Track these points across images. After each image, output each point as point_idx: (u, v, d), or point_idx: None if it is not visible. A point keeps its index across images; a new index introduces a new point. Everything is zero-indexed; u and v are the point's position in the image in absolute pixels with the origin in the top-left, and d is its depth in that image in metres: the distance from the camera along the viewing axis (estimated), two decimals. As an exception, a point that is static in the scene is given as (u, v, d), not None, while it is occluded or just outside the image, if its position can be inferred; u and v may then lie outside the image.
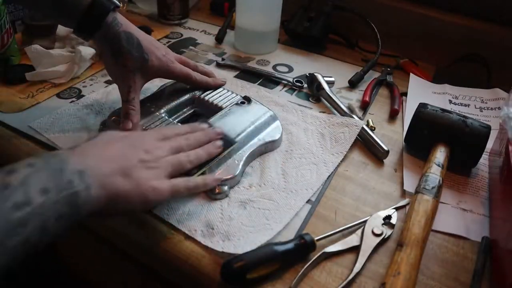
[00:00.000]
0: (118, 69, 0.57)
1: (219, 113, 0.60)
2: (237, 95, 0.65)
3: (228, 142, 0.55)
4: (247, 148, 0.56)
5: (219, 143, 0.53)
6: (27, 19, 0.81)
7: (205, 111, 0.63)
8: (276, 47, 0.91)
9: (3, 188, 0.32)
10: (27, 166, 0.34)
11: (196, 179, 0.48)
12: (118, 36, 0.55)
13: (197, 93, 0.65)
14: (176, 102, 0.62)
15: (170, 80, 0.68)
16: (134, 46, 0.56)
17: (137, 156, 0.43)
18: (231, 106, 0.62)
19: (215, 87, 0.66)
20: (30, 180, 0.33)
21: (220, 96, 0.64)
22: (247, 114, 0.61)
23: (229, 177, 0.52)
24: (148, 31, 0.86)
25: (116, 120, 0.58)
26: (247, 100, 0.64)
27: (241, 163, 0.54)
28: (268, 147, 0.59)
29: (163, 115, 0.59)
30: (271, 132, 0.60)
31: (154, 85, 0.72)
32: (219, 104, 0.62)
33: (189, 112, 0.63)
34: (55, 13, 0.57)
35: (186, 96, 0.64)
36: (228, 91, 0.66)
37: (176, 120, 0.60)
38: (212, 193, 0.51)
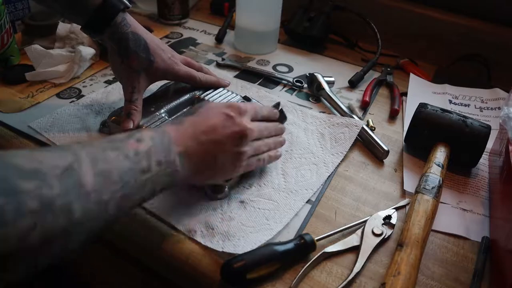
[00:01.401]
0: (123, 69, 0.58)
1: None
2: (237, 95, 0.65)
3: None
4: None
5: (283, 138, 0.56)
6: (27, 19, 0.81)
7: None
8: (276, 47, 0.91)
9: (136, 153, 0.38)
10: (150, 139, 0.40)
11: (265, 157, 0.52)
12: (126, 37, 0.56)
13: (197, 93, 0.65)
14: (176, 102, 0.62)
15: (168, 82, 0.68)
16: (141, 47, 0.57)
17: (233, 142, 0.47)
18: None
19: (220, 87, 0.66)
20: (151, 152, 0.39)
21: (220, 96, 0.64)
22: None
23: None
24: (148, 31, 0.86)
25: (116, 120, 0.58)
26: (247, 100, 0.64)
27: None
28: None
29: (163, 115, 0.59)
30: None
31: (154, 84, 0.72)
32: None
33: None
34: (66, 9, 0.58)
35: (187, 96, 0.64)
36: (228, 91, 0.66)
37: None
38: (212, 193, 0.51)
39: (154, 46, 0.58)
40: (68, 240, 0.32)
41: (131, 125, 0.55)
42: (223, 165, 0.47)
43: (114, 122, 0.58)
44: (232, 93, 0.65)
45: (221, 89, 0.66)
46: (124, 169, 0.36)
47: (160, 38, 0.91)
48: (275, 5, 0.84)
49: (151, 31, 0.87)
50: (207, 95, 0.64)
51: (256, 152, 0.50)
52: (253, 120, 0.50)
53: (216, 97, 0.64)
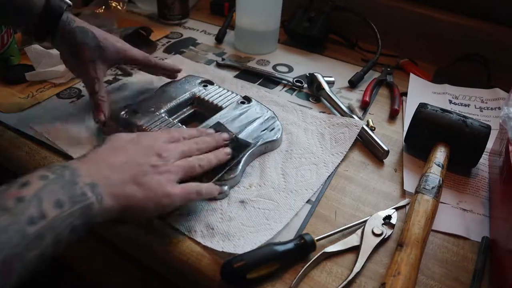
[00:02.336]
0: (78, 64, 0.59)
1: (219, 113, 0.60)
2: (237, 95, 0.65)
3: (242, 146, 0.55)
4: (247, 148, 0.56)
5: (228, 150, 0.52)
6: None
7: (205, 111, 0.63)
8: (276, 47, 0.91)
9: (18, 201, 0.31)
10: (40, 179, 0.34)
11: (207, 186, 0.47)
12: (73, 31, 0.57)
13: (197, 93, 0.65)
14: (176, 102, 0.62)
15: (169, 80, 0.68)
16: (89, 38, 0.58)
17: (148, 161, 0.43)
18: (231, 105, 0.62)
19: (172, 71, 0.68)
20: (44, 193, 0.33)
21: (220, 96, 0.64)
22: (247, 113, 0.61)
23: (229, 177, 0.52)
24: (148, 31, 0.86)
25: (116, 120, 0.59)
26: (247, 100, 0.64)
27: (241, 163, 0.54)
28: (268, 147, 0.59)
29: (163, 115, 0.59)
30: (271, 132, 0.60)
31: (154, 86, 0.72)
32: (219, 104, 0.63)
33: (189, 112, 0.63)
34: (11, 17, 0.57)
35: (186, 96, 0.64)
36: (228, 91, 0.66)
37: (176, 120, 0.60)
38: None
39: (101, 34, 0.59)
40: None
41: (102, 117, 0.56)
42: (152, 189, 0.41)
43: (115, 122, 0.58)
44: (232, 93, 0.65)
45: (221, 88, 0.66)
46: (1, 227, 0.30)
47: (160, 38, 0.91)
48: (275, 5, 0.84)
49: (151, 31, 0.87)
50: (207, 94, 0.64)
51: (190, 171, 0.46)
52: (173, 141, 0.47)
53: (216, 96, 0.64)
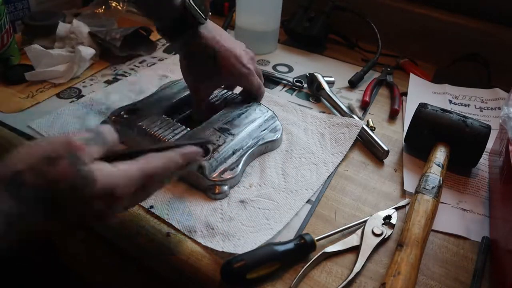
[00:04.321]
0: (190, 74, 0.60)
1: (219, 113, 0.60)
2: (237, 95, 0.65)
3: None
4: (247, 148, 0.56)
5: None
6: (27, 19, 0.81)
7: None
8: (276, 47, 0.91)
9: None
10: None
11: None
12: (193, 47, 0.57)
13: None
14: (175, 102, 0.62)
15: (169, 82, 0.68)
16: (209, 59, 0.58)
17: None
18: (231, 105, 0.62)
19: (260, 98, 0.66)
20: None
21: (220, 96, 0.64)
22: (247, 113, 0.61)
23: (229, 177, 0.52)
24: (148, 31, 0.86)
25: (116, 120, 0.58)
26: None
27: (241, 163, 0.54)
28: (268, 147, 0.59)
29: (163, 116, 0.59)
30: (271, 132, 0.60)
31: (154, 85, 0.72)
32: (218, 103, 0.63)
33: (189, 111, 0.63)
34: (154, 13, 0.59)
35: (186, 96, 0.64)
36: (227, 91, 0.66)
37: (176, 120, 0.60)
38: (212, 193, 0.51)
39: (225, 55, 0.58)
40: None
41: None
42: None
43: (115, 122, 0.58)
44: (232, 93, 0.65)
45: (220, 88, 0.66)
46: None
47: (160, 38, 0.90)
48: (275, 5, 0.84)
49: (151, 31, 0.86)
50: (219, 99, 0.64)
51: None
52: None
53: (216, 96, 0.64)
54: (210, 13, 0.58)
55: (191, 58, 0.59)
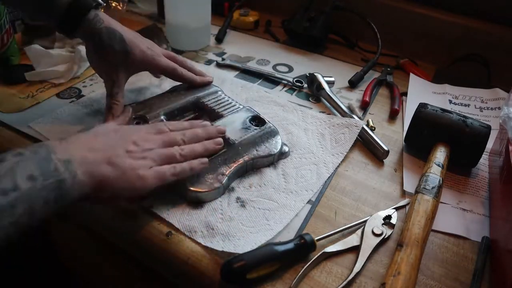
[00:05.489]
0: (101, 64, 0.58)
1: (219, 121, 0.58)
2: (241, 105, 0.62)
3: (229, 144, 0.54)
4: (241, 159, 0.54)
5: (219, 140, 0.53)
6: (27, 19, 0.81)
7: (206, 117, 0.61)
8: (209, 41, 0.90)
9: None
10: (15, 156, 0.37)
11: (181, 165, 0.47)
12: (99, 32, 0.56)
13: (200, 97, 0.63)
14: (177, 106, 0.61)
15: (171, 85, 0.68)
16: (116, 40, 0.57)
17: (124, 147, 0.45)
18: (238, 121, 0.59)
19: (200, 84, 0.65)
20: (17, 168, 0.35)
21: (221, 103, 0.63)
22: (251, 125, 0.58)
23: (207, 190, 0.50)
24: (157, 29, 0.85)
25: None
26: (259, 120, 0.59)
27: (227, 176, 0.51)
28: (264, 162, 0.56)
29: (162, 117, 0.58)
30: (269, 147, 0.57)
31: (154, 85, 0.72)
32: (220, 111, 0.61)
33: (190, 116, 0.62)
34: (37, 12, 0.59)
35: (188, 101, 0.63)
36: (229, 98, 0.64)
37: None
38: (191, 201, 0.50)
39: (130, 38, 0.58)
40: None
41: (111, 120, 0.56)
42: (124, 170, 0.43)
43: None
44: (234, 101, 0.63)
45: (223, 95, 0.64)
46: None
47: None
48: (204, 1, 0.84)
49: (160, 29, 0.87)
50: (208, 100, 0.62)
51: (169, 158, 0.47)
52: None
53: (218, 103, 0.62)
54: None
55: (100, 45, 0.56)
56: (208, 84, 0.66)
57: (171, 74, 0.63)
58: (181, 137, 0.50)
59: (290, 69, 0.83)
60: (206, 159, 0.50)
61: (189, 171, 0.48)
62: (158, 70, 0.63)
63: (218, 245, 0.45)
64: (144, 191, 0.45)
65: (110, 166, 0.42)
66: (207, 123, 0.55)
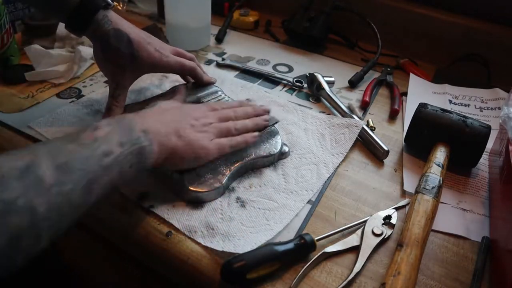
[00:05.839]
0: (107, 65, 0.59)
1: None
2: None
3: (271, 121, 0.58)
4: (242, 159, 0.54)
5: (267, 116, 0.58)
6: (27, 19, 0.81)
7: None
8: (209, 41, 0.91)
9: (94, 141, 0.40)
10: (107, 125, 0.42)
11: (237, 138, 0.53)
12: (107, 33, 0.56)
13: (200, 97, 0.63)
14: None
15: (171, 85, 0.68)
16: (123, 43, 0.57)
17: (188, 122, 0.50)
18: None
19: (206, 82, 0.66)
20: (111, 136, 0.41)
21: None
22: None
23: (207, 190, 0.50)
24: (157, 29, 0.85)
25: None
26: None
27: (227, 176, 0.52)
28: (264, 163, 0.56)
29: None
30: (269, 147, 0.56)
31: (154, 85, 0.72)
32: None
33: None
34: (47, 8, 0.59)
35: (188, 101, 0.62)
36: (229, 98, 0.64)
37: None
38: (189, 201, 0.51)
39: (139, 41, 0.58)
40: (37, 236, 0.33)
41: None
42: (190, 142, 0.48)
43: None
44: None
45: (226, 97, 0.64)
46: (84, 157, 0.38)
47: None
48: (204, 1, 0.85)
49: (159, 29, 0.87)
50: (209, 101, 0.63)
51: (226, 131, 0.53)
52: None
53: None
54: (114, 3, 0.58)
55: (107, 47, 0.57)
56: (213, 83, 0.67)
57: (179, 71, 0.65)
58: (233, 113, 0.55)
59: (290, 69, 0.83)
60: (257, 133, 0.55)
61: (243, 144, 0.53)
62: (166, 70, 0.63)
63: (218, 245, 0.45)
64: (207, 160, 0.51)
65: (178, 138, 0.48)
66: (253, 102, 0.58)
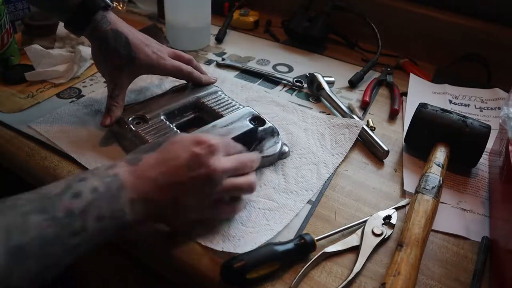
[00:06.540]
0: (105, 66, 0.58)
1: (219, 120, 0.58)
2: (241, 106, 0.62)
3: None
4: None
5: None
6: (27, 19, 0.81)
7: (207, 117, 0.61)
8: (209, 41, 0.91)
9: (67, 215, 0.35)
10: (92, 192, 0.37)
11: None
12: (105, 34, 0.56)
13: (200, 97, 0.63)
14: (177, 106, 0.61)
15: (171, 85, 0.67)
16: (122, 44, 0.57)
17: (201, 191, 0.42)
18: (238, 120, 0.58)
19: (206, 84, 0.66)
20: (90, 209, 0.36)
21: (221, 103, 0.62)
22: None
23: None
24: (157, 29, 0.85)
25: (116, 119, 0.58)
26: (259, 120, 0.59)
27: None
28: (264, 162, 0.55)
29: (162, 117, 0.58)
30: (269, 146, 0.57)
31: (154, 85, 0.72)
32: (220, 111, 0.60)
33: (190, 116, 0.62)
34: (48, 7, 0.60)
35: (188, 101, 0.63)
36: (229, 98, 0.64)
37: (176, 123, 0.59)
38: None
39: (136, 42, 0.58)
40: None
41: (108, 121, 0.57)
42: (186, 210, 0.43)
43: (121, 126, 0.58)
44: (235, 101, 0.63)
45: (224, 95, 0.64)
46: (47, 238, 0.33)
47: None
48: (204, 2, 0.85)
49: (159, 29, 0.86)
50: (208, 100, 0.62)
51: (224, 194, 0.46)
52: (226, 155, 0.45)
53: (218, 104, 0.62)
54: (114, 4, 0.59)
55: (105, 47, 0.57)
56: (213, 83, 0.67)
57: (177, 74, 0.64)
58: (241, 168, 0.47)
59: (290, 69, 0.83)
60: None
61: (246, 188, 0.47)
62: (163, 73, 0.63)
63: (218, 245, 0.45)
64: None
65: (173, 212, 0.43)
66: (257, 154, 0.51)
